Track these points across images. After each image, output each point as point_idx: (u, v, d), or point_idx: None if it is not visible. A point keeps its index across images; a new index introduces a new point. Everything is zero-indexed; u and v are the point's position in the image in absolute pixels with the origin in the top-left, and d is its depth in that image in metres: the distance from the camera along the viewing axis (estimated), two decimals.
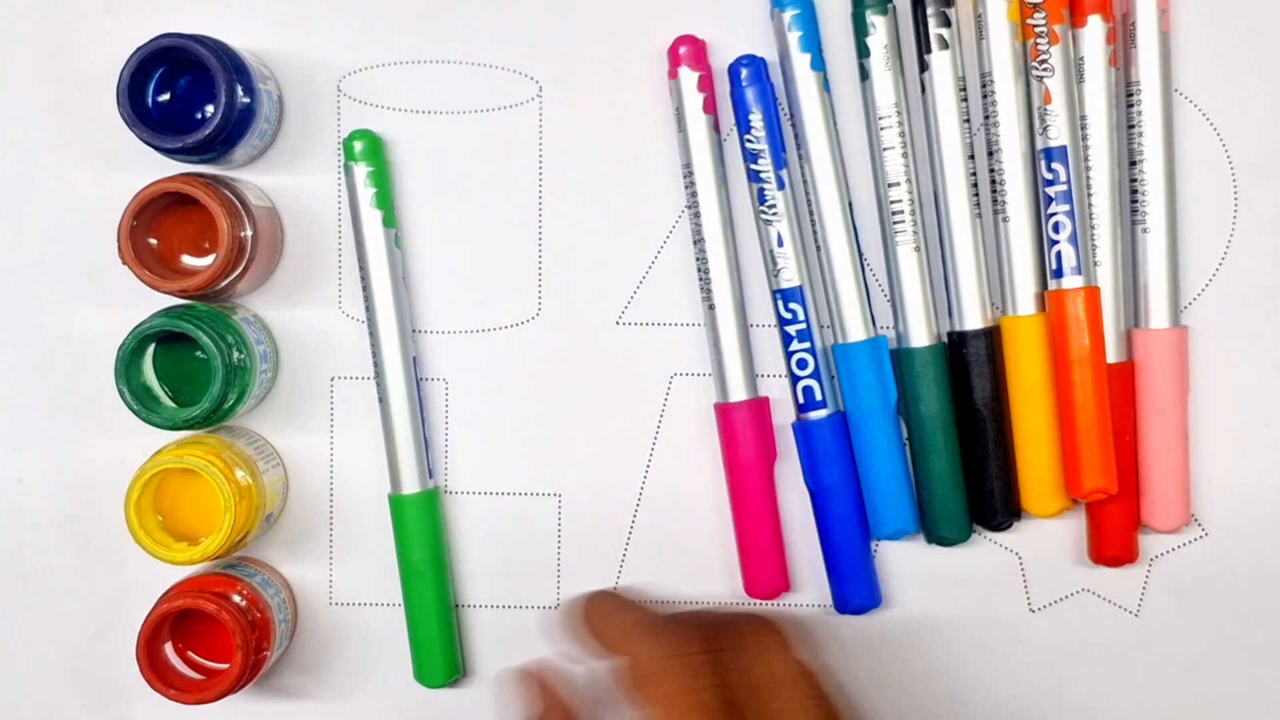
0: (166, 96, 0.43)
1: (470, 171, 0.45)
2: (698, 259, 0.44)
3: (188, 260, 0.44)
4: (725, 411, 0.44)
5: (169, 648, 0.43)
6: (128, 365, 0.42)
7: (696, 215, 0.43)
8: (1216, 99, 0.44)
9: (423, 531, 0.44)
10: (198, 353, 0.44)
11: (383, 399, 0.44)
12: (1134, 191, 0.43)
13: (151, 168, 0.44)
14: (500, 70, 0.45)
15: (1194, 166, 0.44)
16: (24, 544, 0.46)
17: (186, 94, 0.44)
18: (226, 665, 0.43)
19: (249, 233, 0.43)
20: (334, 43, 0.45)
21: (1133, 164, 0.43)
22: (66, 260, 0.45)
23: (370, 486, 0.46)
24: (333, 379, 0.46)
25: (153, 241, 0.43)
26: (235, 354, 0.42)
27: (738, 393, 0.44)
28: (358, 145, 0.43)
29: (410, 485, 0.44)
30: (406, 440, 0.44)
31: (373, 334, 0.44)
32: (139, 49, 0.41)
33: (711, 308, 0.44)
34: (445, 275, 0.45)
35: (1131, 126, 0.43)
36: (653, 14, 0.45)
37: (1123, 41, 0.43)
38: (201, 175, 0.43)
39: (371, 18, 0.45)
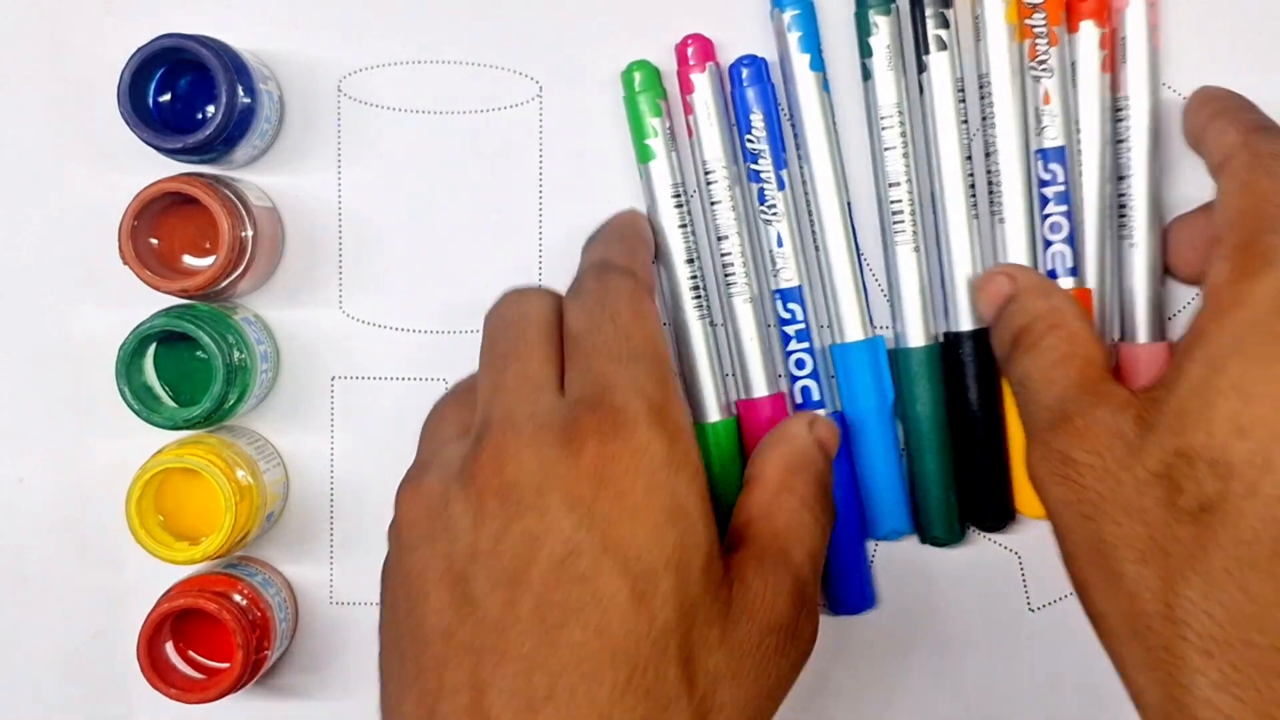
0: (167, 97, 0.43)
1: (470, 171, 0.45)
2: (723, 254, 0.43)
3: (188, 260, 0.44)
4: (748, 408, 0.44)
5: (170, 647, 0.43)
6: (128, 365, 0.42)
7: (716, 211, 0.43)
8: None
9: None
10: (198, 353, 0.44)
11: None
12: (1120, 206, 0.43)
13: (152, 168, 0.44)
14: (500, 70, 0.45)
15: (1192, 167, 0.44)
16: (24, 544, 0.46)
17: (187, 94, 0.44)
18: (227, 665, 0.43)
19: (249, 233, 0.43)
20: (334, 43, 0.45)
21: (1120, 179, 0.43)
22: (67, 260, 0.45)
23: (370, 486, 0.46)
24: (333, 379, 0.46)
25: (153, 241, 0.43)
26: (236, 354, 0.42)
27: (760, 389, 0.44)
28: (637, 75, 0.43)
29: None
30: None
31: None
32: (140, 49, 0.41)
33: (748, 302, 0.43)
34: (445, 275, 0.45)
35: (1120, 141, 0.43)
36: (653, 14, 0.45)
37: (1114, 50, 0.43)
38: (202, 175, 0.43)
39: (371, 18, 0.45)
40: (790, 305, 0.43)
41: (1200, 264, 0.38)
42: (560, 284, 0.45)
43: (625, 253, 0.40)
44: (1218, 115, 0.39)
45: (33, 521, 0.46)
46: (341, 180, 0.45)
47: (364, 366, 0.46)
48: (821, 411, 0.44)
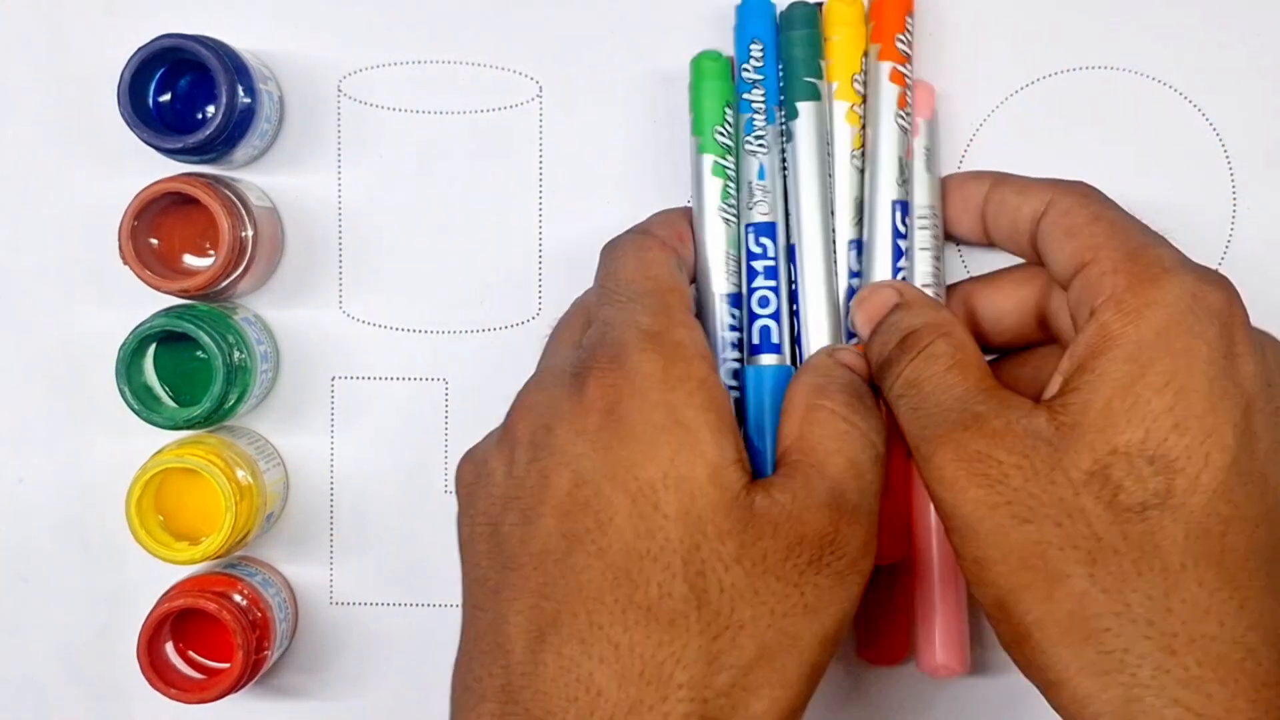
0: (167, 97, 0.43)
1: (470, 171, 0.45)
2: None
3: (189, 260, 0.44)
4: None
5: (169, 647, 0.43)
6: (128, 365, 0.42)
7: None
8: (1216, 97, 0.44)
9: None
10: (198, 353, 0.44)
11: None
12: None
13: (152, 168, 0.44)
14: (500, 70, 0.45)
15: (1192, 166, 0.44)
16: (25, 543, 0.46)
17: (187, 94, 0.44)
18: (227, 665, 0.43)
19: (249, 233, 0.43)
20: (334, 43, 0.45)
21: None
22: (67, 260, 0.45)
23: (370, 486, 0.46)
24: (333, 379, 0.46)
25: (154, 242, 0.43)
26: (236, 354, 0.42)
27: None
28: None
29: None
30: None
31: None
32: (140, 49, 0.41)
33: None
34: (445, 275, 0.45)
35: None
36: (654, 14, 0.45)
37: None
38: (202, 175, 0.43)
39: (371, 18, 0.45)
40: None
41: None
42: (559, 282, 0.45)
43: (645, 221, 0.41)
44: (1002, 181, 0.40)
45: (33, 521, 0.46)
46: (341, 180, 0.45)
47: (364, 366, 0.46)
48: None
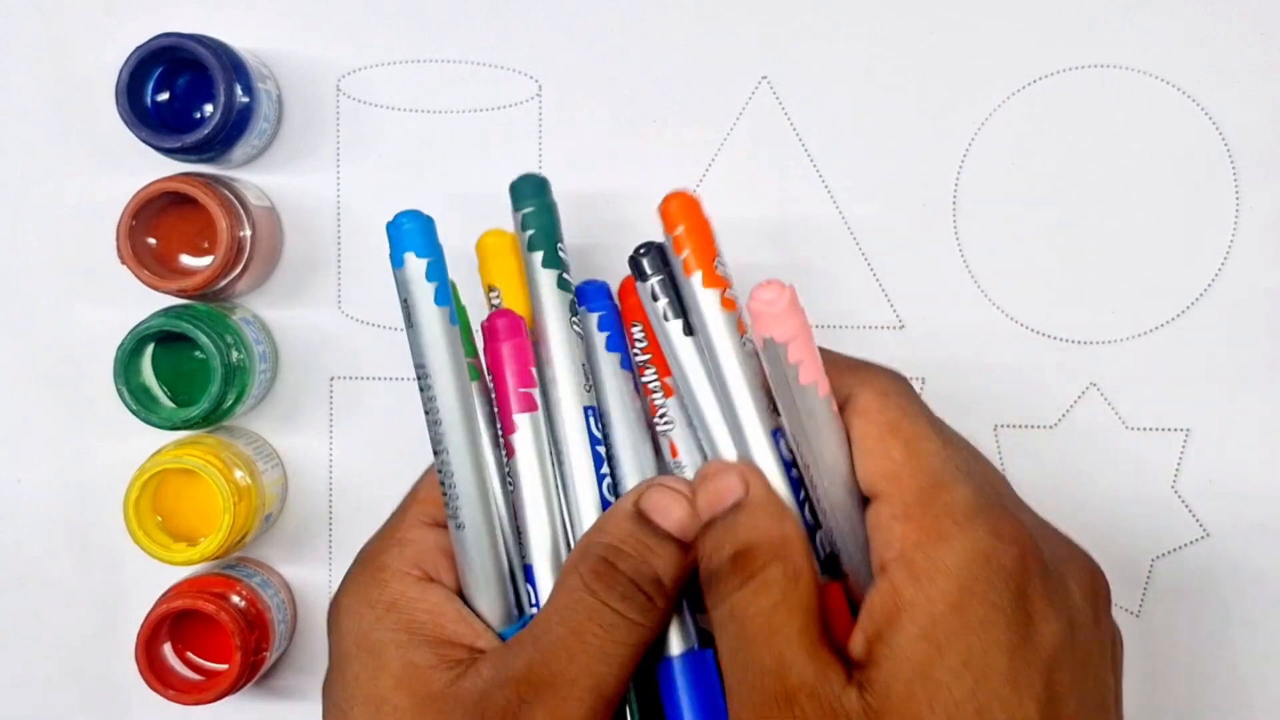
0: (165, 96, 0.43)
1: (469, 171, 0.45)
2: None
3: (186, 260, 0.44)
4: None
5: (168, 648, 0.43)
6: (126, 365, 0.42)
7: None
8: (1218, 97, 0.44)
9: None
10: (196, 353, 0.44)
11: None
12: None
13: (150, 167, 0.43)
14: (500, 70, 0.45)
15: (1195, 166, 0.44)
16: (23, 544, 0.46)
17: (185, 93, 0.44)
18: (225, 666, 0.43)
19: (248, 232, 0.43)
20: (334, 42, 0.45)
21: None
22: (65, 260, 0.45)
23: (369, 487, 0.46)
24: (332, 379, 0.46)
25: (152, 241, 0.43)
26: (234, 354, 0.42)
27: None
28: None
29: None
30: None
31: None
32: (138, 48, 0.41)
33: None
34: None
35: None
36: (652, 13, 0.45)
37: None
38: (200, 175, 0.43)
39: (371, 17, 0.45)
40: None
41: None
42: None
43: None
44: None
45: (31, 522, 0.46)
46: (340, 179, 0.45)
47: (363, 366, 0.45)
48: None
